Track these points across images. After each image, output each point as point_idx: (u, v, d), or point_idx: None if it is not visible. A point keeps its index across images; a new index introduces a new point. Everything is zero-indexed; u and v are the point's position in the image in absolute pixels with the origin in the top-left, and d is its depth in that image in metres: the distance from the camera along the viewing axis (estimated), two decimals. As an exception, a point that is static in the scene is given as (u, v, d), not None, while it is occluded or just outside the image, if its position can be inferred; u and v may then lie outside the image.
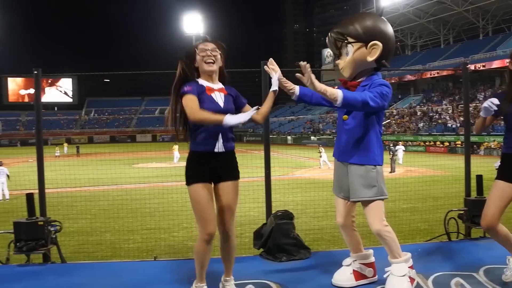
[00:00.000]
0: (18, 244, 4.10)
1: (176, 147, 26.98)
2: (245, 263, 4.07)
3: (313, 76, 2.86)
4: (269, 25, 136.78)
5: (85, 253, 7.23)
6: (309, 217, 9.76)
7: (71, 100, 79.93)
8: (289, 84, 3.16)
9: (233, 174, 3.16)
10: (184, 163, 3.12)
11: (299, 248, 4.14)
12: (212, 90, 3.05)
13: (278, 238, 4.10)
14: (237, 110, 3.13)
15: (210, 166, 3.04)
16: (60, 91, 78.44)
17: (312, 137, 54.18)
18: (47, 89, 74.69)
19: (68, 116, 79.51)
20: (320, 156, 24.20)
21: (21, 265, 4.20)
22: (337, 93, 2.81)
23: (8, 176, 15.21)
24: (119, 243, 8.43)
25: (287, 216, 4.26)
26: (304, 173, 22.07)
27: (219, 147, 3.03)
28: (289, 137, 58.75)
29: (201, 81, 3.07)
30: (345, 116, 3.15)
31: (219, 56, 3.08)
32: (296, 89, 3.18)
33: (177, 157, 26.87)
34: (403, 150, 26.67)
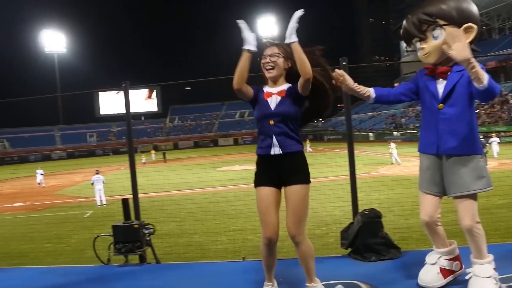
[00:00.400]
0: (117, 246, 4.39)
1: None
2: (333, 263, 4.03)
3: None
4: (344, 19, 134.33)
5: (176, 254, 7.54)
6: (396, 215, 9.43)
7: (156, 109, 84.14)
8: (362, 89, 3.02)
9: (297, 178, 3.00)
10: None
11: (388, 248, 4.00)
12: (270, 94, 3.04)
13: (366, 237, 4.00)
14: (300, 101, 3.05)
15: (271, 169, 3.02)
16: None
17: (395, 133, 52.35)
18: (142, 101, 79.16)
19: (154, 125, 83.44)
20: (391, 153, 23.44)
21: (120, 265, 4.47)
22: (484, 76, 2.50)
23: (103, 183, 16.29)
24: (207, 245, 8.72)
25: (374, 214, 4.14)
26: (388, 170, 21.40)
27: (275, 150, 2.98)
28: (370, 134, 57.26)
29: (267, 86, 3.11)
30: (441, 105, 2.88)
31: (280, 60, 3.04)
32: (371, 91, 3.04)
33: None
34: (498, 143, 24.93)
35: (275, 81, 3.08)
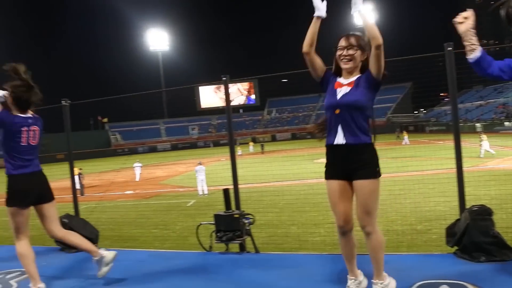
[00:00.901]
0: (218, 234, 4.58)
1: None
2: (436, 261, 3.83)
3: None
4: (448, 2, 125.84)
5: (274, 245, 7.65)
6: (509, 213, 8.70)
7: (254, 102, 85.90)
8: (474, 40, 2.71)
9: (362, 172, 2.90)
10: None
11: (500, 248, 3.70)
12: (341, 85, 2.99)
13: (475, 235, 3.72)
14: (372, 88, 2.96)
15: (337, 161, 2.97)
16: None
17: (506, 123, 48.20)
18: (236, 94, 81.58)
19: (252, 117, 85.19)
20: (481, 145, 21.59)
21: (221, 253, 4.65)
22: None
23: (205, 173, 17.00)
24: (304, 236, 8.72)
25: (485, 211, 3.85)
26: (498, 163, 19.80)
27: (339, 139, 2.92)
28: (477, 125, 53.34)
29: (341, 77, 3.06)
30: None
31: (357, 53, 2.96)
32: (478, 49, 2.71)
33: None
34: None
35: (350, 73, 3.02)
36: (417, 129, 58.80)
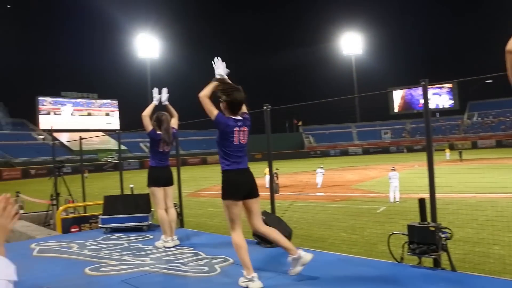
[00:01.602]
0: (411, 246, 4.37)
1: None
2: None
3: None
4: None
5: (470, 264, 6.99)
6: None
7: (452, 105, 79.62)
8: None
9: None
10: None
11: None
12: None
13: None
14: None
15: None
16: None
17: None
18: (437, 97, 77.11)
19: (450, 122, 79.14)
20: None
21: (413, 266, 4.43)
22: None
23: (398, 180, 16.38)
24: (510, 259, 7.75)
25: None
26: None
27: None
28: None
29: None
30: None
31: None
32: None
33: None
34: None
35: None
36: None
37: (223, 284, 4.21)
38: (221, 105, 4.18)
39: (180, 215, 7.83)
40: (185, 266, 4.89)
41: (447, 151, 43.67)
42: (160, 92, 6.50)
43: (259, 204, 4.31)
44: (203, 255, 5.33)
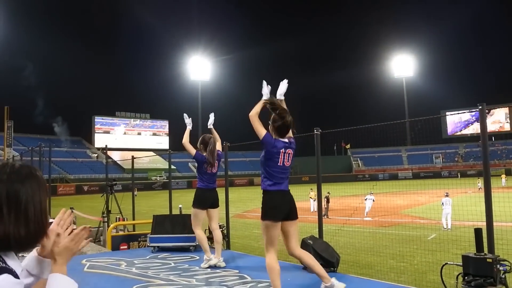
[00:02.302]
0: (466, 277, 4.15)
1: None
2: None
3: None
4: None
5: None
6: None
7: (509, 129, 76.43)
8: None
9: None
10: None
11: None
12: None
13: None
14: None
15: None
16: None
17: None
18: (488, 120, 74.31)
19: (507, 146, 75.75)
20: None
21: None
22: None
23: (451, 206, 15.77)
24: None
25: None
26: None
27: None
28: None
29: None
30: None
31: None
32: None
33: None
34: None
35: None
36: None
37: (268, 309, 4.15)
38: (270, 127, 4.24)
39: (226, 236, 7.84)
40: (230, 289, 4.87)
41: (503, 177, 41.62)
42: (188, 117, 6.78)
43: (296, 227, 4.31)
44: (249, 279, 5.30)
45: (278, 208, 4.13)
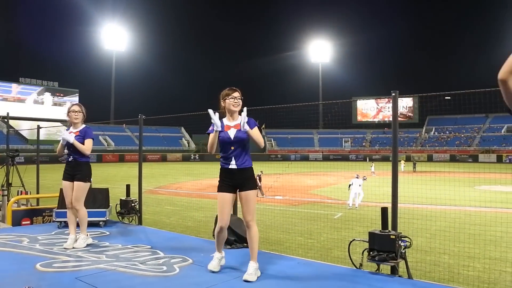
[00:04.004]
0: (371, 253, 4.43)
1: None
2: None
3: None
4: None
5: (421, 271, 7.21)
6: None
7: (412, 118, 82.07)
8: None
9: None
10: None
11: None
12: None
13: None
14: None
15: None
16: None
17: None
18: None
19: (409, 134, 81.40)
20: None
21: (371, 272, 4.50)
22: None
23: (360, 186, 16.66)
24: (457, 268, 8.03)
25: None
26: None
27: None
28: None
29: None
30: None
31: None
32: None
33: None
34: None
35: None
36: None
37: (182, 285, 4.13)
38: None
39: (138, 212, 7.66)
40: (142, 265, 4.77)
41: (402, 162, 44.78)
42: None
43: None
44: (162, 254, 5.23)
45: None
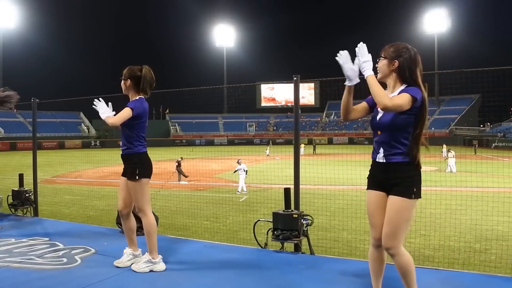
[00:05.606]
0: (275, 232, 4.59)
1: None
2: (497, 283, 3.67)
3: None
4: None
5: (323, 248, 7.60)
6: None
7: (313, 103, 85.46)
8: None
9: (397, 189, 2.89)
10: None
11: None
12: None
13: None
14: None
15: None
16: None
17: None
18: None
19: (310, 118, 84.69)
20: None
21: (276, 251, 4.67)
22: None
23: (246, 171, 17.01)
24: (355, 243, 8.60)
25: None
26: None
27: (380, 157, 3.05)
28: (551, 144, 50.20)
29: None
30: None
31: (382, 62, 3.03)
32: None
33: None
34: None
35: (386, 86, 2.95)
36: (481, 143, 56.21)
37: (85, 276, 3.96)
38: None
39: (34, 203, 7.19)
40: (40, 258, 4.50)
41: (303, 146, 46.61)
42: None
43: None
44: (61, 246, 4.97)
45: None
